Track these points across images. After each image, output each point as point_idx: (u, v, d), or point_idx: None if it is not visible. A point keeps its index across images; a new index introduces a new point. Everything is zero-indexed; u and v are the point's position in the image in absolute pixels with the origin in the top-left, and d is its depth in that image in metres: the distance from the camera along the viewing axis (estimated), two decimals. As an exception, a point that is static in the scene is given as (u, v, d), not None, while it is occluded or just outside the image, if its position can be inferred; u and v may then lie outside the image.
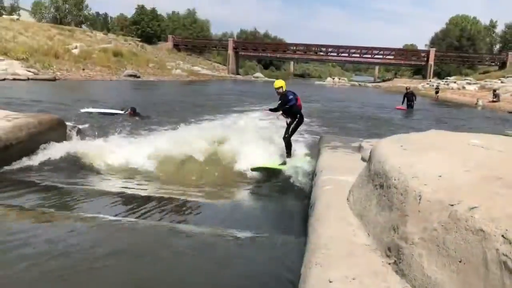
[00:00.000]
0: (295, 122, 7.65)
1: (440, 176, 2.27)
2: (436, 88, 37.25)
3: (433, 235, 2.04)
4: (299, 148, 8.41)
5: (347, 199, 3.24)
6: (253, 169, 7.45)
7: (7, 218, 4.39)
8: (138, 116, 13.01)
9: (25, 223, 4.29)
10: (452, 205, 2.04)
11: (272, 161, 7.73)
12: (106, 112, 13.44)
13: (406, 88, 23.68)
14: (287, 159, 7.65)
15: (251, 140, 8.34)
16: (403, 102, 22.46)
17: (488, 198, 2.01)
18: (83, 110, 13.17)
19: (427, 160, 2.58)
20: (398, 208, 2.31)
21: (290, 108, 7.53)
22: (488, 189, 2.12)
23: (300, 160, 7.61)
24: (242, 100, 21.85)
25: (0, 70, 26.35)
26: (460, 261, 1.91)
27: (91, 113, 13.03)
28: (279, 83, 7.71)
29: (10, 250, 3.49)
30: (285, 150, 7.73)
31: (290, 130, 7.65)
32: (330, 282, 2.11)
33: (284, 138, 7.70)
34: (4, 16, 48.02)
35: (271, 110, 7.77)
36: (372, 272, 2.19)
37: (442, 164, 2.47)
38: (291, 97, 7.48)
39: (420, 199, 2.18)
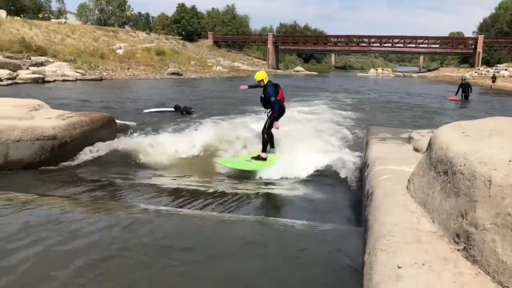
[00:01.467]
0: (274, 115, 7.56)
1: (510, 161, 2.19)
2: (492, 76, 35.90)
3: (507, 220, 1.97)
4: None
5: (407, 188, 3.18)
6: (221, 163, 7.32)
7: (66, 210, 4.52)
8: (186, 112, 13.36)
9: (84, 213, 4.44)
10: (527, 189, 1.97)
11: (245, 160, 7.51)
12: (163, 110, 14.03)
13: (462, 79, 23.04)
14: (272, 151, 7.75)
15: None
16: (457, 93, 21.82)
17: None
18: (145, 111, 13.72)
19: (492, 145, 2.49)
20: (466, 194, 2.25)
21: (267, 100, 7.49)
22: None
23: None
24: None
25: (51, 72, 27.53)
26: (538, 246, 1.84)
27: (152, 112, 13.59)
28: (260, 75, 7.60)
29: (70, 239, 3.57)
30: (268, 144, 7.69)
31: (268, 124, 7.56)
32: (399, 267, 2.09)
33: (263, 131, 7.61)
34: (52, 20, 50.13)
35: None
36: (441, 258, 2.15)
37: (509, 149, 2.38)
38: (270, 93, 7.41)
39: (490, 184, 2.11)
